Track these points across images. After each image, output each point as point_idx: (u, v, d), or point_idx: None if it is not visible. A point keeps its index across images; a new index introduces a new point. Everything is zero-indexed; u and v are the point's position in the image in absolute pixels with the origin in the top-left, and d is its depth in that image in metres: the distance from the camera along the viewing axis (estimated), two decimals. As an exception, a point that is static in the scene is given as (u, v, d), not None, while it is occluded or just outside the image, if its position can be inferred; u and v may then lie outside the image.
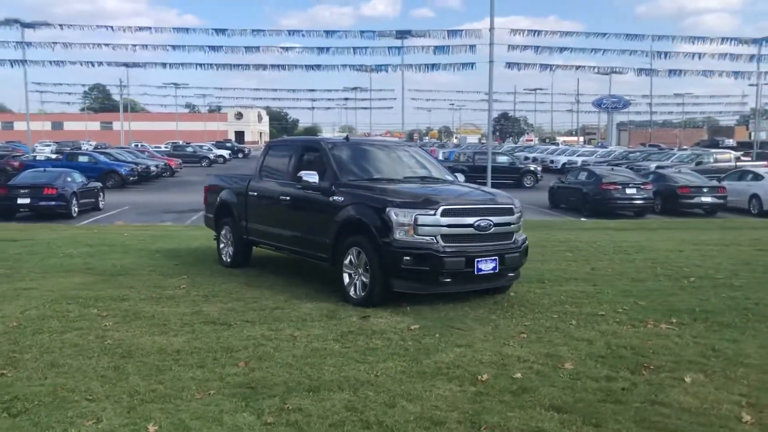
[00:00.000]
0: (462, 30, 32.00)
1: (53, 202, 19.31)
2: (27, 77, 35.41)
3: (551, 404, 4.48)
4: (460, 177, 9.52)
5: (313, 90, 69.47)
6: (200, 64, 41.92)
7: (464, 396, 4.66)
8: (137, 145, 61.64)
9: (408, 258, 7.24)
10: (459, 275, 7.45)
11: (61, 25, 36.33)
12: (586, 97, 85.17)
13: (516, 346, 5.91)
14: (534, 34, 32.78)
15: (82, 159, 33.74)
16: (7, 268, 10.35)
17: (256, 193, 9.77)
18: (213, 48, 36.88)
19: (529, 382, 4.92)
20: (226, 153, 64.93)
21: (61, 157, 36.32)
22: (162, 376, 5.10)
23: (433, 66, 34.36)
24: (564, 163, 45.89)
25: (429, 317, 7.05)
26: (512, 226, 7.88)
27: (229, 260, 10.38)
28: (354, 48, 34.89)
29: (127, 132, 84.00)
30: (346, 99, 78.72)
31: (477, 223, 7.48)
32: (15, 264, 10.82)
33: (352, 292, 7.72)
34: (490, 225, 7.57)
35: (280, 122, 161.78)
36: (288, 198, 8.95)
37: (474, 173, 35.80)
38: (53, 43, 33.67)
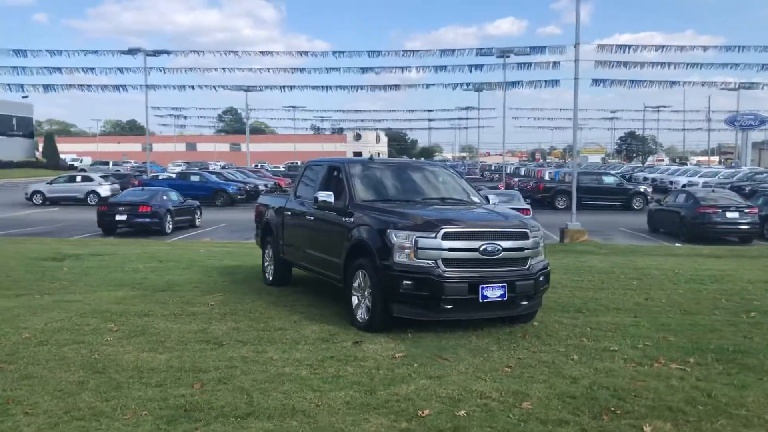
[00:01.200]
0: (546, 47, 31.02)
1: (147, 219, 20.47)
2: (147, 101, 37.69)
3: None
4: (494, 199, 9.14)
5: (430, 110, 69.43)
6: (325, 87, 42.58)
7: (393, 431, 4.39)
8: (257, 166, 64.43)
9: (407, 282, 7.00)
10: (462, 302, 7.10)
11: (180, 52, 38.42)
12: (720, 114, 79.74)
13: (489, 381, 5.52)
14: (632, 50, 31.20)
15: (194, 178, 35.67)
16: (69, 281, 11.00)
17: (289, 213, 9.86)
18: (336, 70, 37.50)
19: (468, 421, 4.56)
20: (338, 173, 66.38)
21: (174, 176, 38.51)
22: (114, 393, 5.18)
23: (516, 83, 33.53)
24: (684, 185, 43.33)
25: (424, 345, 6.76)
26: (526, 251, 7.43)
27: (270, 278, 10.51)
28: (466, 66, 34.74)
29: (254, 153, 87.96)
30: (460, 119, 78.32)
31: (483, 248, 7.11)
32: (79, 277, 11.48)
33: (358, 316, 7.56)
34: (498, 250, 7.18)
35: (399, 143, 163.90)
36: (312, 218, 8.96)
37: (579, 194, 34.60)
38: (189, 68, 35.71)
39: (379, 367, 5.94)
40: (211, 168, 60.63)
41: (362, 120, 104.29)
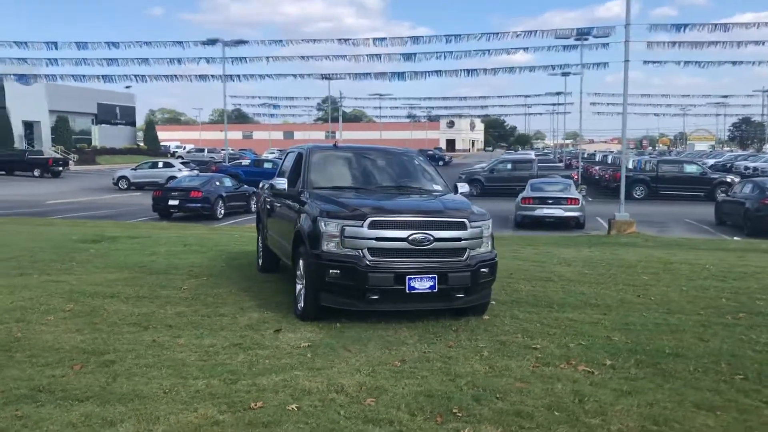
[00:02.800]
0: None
1: (198, 204, 21.17)
2: (226, 91, 38.94)
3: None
4: (464, 188, 8.78)
5: (527, 96, 67.56)
6: (423, 72, 41.85)
7: (206, 422, 4.31)
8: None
9: (334, 271, 6.87)
10: (389, 293, 6.88)
11: (260, 41, 39.38)
12: None
13: (362, 375, 5.32)
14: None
15: (267, 165, 36.54)
16: (81, 263, 11.52)
17: (269, 199, 9.91)
18: (437, 56, 36.49)
19: (290, 416, 4.41)
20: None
21: (249, 163, 39.65)
22: (-8, 372, 5.36)
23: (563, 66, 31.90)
24: (752, 174, 40.24)
25: (341, 336, 6.61)
26: (463, 242, 7.10)
27: (260, 264, 10.61)
28: (562, 47, 33.44)
29: (348, 140, 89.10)
30: (556, 104, 75.75)
31: (412, 237, 6.86)
32: (94, 259, 12.00)
33: (299, 304, 7.49)
34: (429, 239, 6.90)
35: (496, 130, 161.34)
36: (278, 205, 8.98)
37: (657, 183, 32.86)
38: (290, 57, 36.29)
39: (272, 356, 5.87)
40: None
41: (462, 107, 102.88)
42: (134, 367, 5.50)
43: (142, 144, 72.17)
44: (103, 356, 5.83)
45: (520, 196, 21.06)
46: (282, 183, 8.18)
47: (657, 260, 13.01)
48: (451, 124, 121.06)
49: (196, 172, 36.14)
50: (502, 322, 7.37)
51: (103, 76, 39.04)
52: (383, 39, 35.45)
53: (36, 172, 45.21)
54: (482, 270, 7.23)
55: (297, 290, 7.58)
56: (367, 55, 38.32)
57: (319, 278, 6.97)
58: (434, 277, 6.88)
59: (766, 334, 6.92)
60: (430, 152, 78.69)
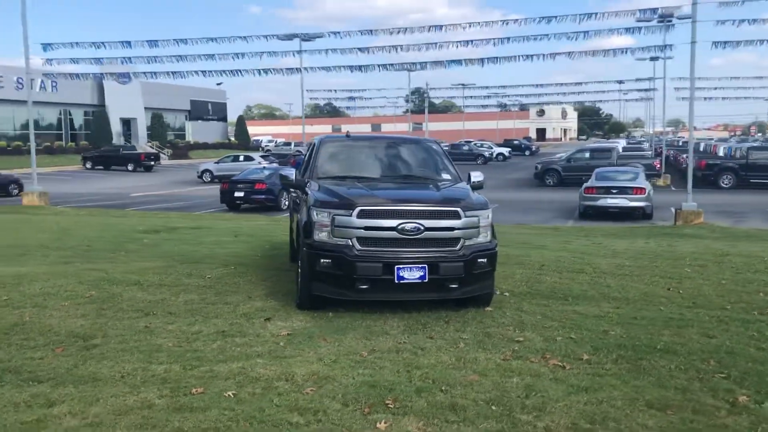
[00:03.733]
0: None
1: (263, 196, 21.73)
2: (303, 84, 39.65)
3: (178, 427, 4.04)
4: (478, 177, 8.56)
5: (620, 81, 64.78)
6: (509, 57, 40.53)
7: (140, 405, 4.41)
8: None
9: (325, 260, 6.88)
10: (378, 283, 6.83)
11: (333, 33, 39.81)
12: None
13: (321, 365, 5.28)
14: None
15: (341, 157, 36.95)
16: (128, 252, 12.08)
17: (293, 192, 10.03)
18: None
19: (220, 402, 4.44)
20: (506, 151, 65.23)
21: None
22: (-15, 353, 5.71)
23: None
24: None
25: (327, 325, 6.62)
26: (457, 231, 6.94)
27: (290, 255, 10.77)
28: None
29: (435, 132, 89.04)
30: (646, 90, 72.17)
31: (401, 226, 6.77)
32: (142, 249, 12.55)
33: (299, 294, 7.56)
34: (419, 229, 6.79)
35: (590, 117, 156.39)
36: (294, 195, 9.08)
37: (747, 172, 30.95)
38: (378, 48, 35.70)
39: (246, 344, 5.94)
40: None
41: (553, 94, 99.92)
42: (111, 351, 5.70)
43: (233, 139, 74.60)
44: (90, 340, 6.08)
45: (584, 185, 20.37)
46: (290, 173, 8.26)
47: (712, 252, 12.33)
48: (541, 113, 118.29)
49: (276, 165, 37.04)
50: (503, 314, 7.17)
51: (199, 71, 40.13)
52: (471, 24, 34.52)
53: (130, 167, 47.64)
54: (479, 260, 7.05)
55: (298, 281, 7.64)
56: (455, 43, 37.27)
57: (311, 267, 7.00)
58: (424, 267, 6.77)
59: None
60: (516, 142, 77.40)
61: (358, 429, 4.01)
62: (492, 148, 65.39)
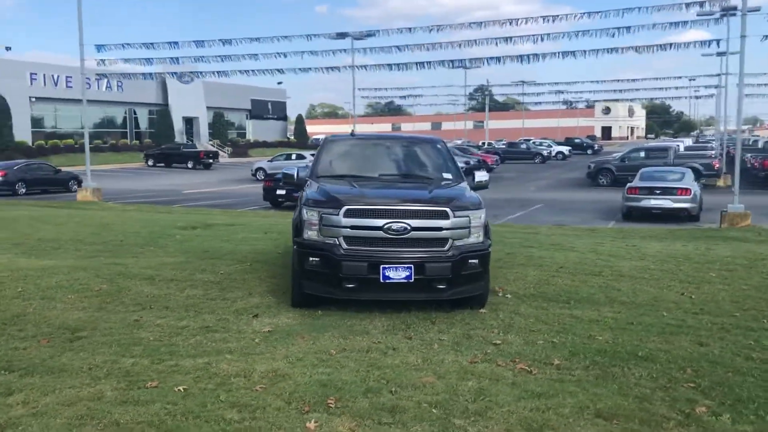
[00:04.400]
0: None
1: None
2: (355, 83, 39.85)
3: (116, 420, 4.13)
4: (482, 176, 8.46)
5: (692, 78, 62.03)
6: (570, 52, 39.31)
7: (90, 397, 4.52)
8: (484, 144, 64.71)
9: (314, 259, 6.93)
10: (365, 282, 6.81)
11: (384, 30, 39.74)
12: None
13: (282, 362, 5.31)
14: None
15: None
16: (158, 247, 12.41)
17: None
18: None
19: (166, 396, 4.52)
20: (565, 149, 63.99)
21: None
22: (-25, 342, 5.97)
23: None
24: None
25: (310, 323, 6.65)
26: (445, 231, 6.86)
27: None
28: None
29: (497, 130, 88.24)
30: (715, 86, 69.13)
31: (387, 226, 6.74)
32: (170, 244, 12.85)
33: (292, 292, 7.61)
34: (406, 229, 6.74)
35: (660, 115, 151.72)
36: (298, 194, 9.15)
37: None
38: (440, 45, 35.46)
39: (223, 340, 6.04)
40: (449, 146, 61.88)
41: (619, 90, 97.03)
42: (92, 344, 5.88)
43: (292, 137, 75.66)
44: (78, 333, 6.28)
45: (627, 185, 19.77)
46: (293, 171, 8.33)
47: (748, 256, 11.80)
48: (606, 111, 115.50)
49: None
50: (495, 316, 7.05)
51: (256, 70, 40.73)
52: (530, 19, 33.47)
53: (189, 164, 48.93)
54: (470, 261, 6.96)
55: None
56: (518, 38, 36.16)
57: (301, 266, 7.05)
58: (410, 267, 6.72)
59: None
60: (577, 140, 75.82)
61: (289, 428, 4.02)
62: (551, 146, 64.21)
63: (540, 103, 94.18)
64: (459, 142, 74.69)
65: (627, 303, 7.84)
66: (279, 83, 73.61)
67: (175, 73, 48.90)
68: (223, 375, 5.00)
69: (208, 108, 64.84)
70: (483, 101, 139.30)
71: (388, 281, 6.73)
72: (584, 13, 36.40)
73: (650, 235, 15.74)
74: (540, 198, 26.71)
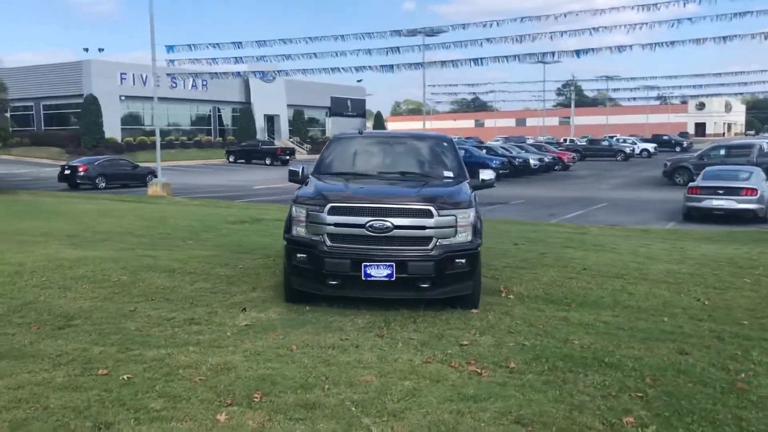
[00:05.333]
0: None
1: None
2: (425, 79, 39.88)
3: (46, 404, 4.35)
4: (487, 175, 8.32)
5: None
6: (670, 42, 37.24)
7: (37, 381, 4.75)
8: (564, 140, 63.25)
9: (300, 255, 7.04)
10: (347, 279, 6.85)
11: (454, 26, 39.49)
12: None
13: (238, 355, 5.44)
14: None
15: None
16: (197, 240, 12.88)
17: None
18: None
19: (106, 384, 4.70)
20: (651, 147, 61.59)
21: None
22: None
23: None
24: None
25: (293, 318, 6.76)
26: (429, 230, 6.80)
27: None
28: None
29: (584, 126, 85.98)
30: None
31: (369, 224, 6.75)
32: (210, 238, 13.32)
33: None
34: (388, 227, 6.73)
35: (762, 111, 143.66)
36: None
37: None
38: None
39: (199, 332, 6.22)
40: (528, 142, 61.16)
41: (715, 85, 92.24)
42: (76, 332, 6.18)
43: (371, 134, 76.40)
44: (71, 321, 6.61)
45: (689, 184, 18.86)
46: (299, 168, 8.46)
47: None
48: (700, 106, 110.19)
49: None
50: (483, 317, 6.95)
51: (337, 68, 41.28)
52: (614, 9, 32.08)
53: (267, 161, 50.20)
54: (456, 261, 6.88)
55: None
56: (605, 28, 34.74)
57: (289, 262, 7.18)
58: (392, 265, 6.71)
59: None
60: (665, 137, 72.83)
61: (200, 419, 4.13)
62: (636, 143, 61.96)
63: (634, 98, 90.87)
64: (535, 139, 73.28)
65: (631, 307, 7.56)
66: (359, 81, 74.27)
67: (258, 72, 50.37)
68: (173, 366, 5.17)
69: (289, 106, 66.30)
70: (571, 97, 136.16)
71: (369, 279, 6.75)
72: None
73: (706, 237, 15.00)
74: (606, 197, 25.88)
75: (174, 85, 55.73)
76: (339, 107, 73.81)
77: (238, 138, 59.11)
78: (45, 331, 6.24)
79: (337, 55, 38.14)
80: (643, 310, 7.42)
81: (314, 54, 39.05)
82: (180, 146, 55.96)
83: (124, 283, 8.46)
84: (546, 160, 40.94)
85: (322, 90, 70.04)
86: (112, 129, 51.33)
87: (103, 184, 29.26)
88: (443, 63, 40.37)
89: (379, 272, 6.73)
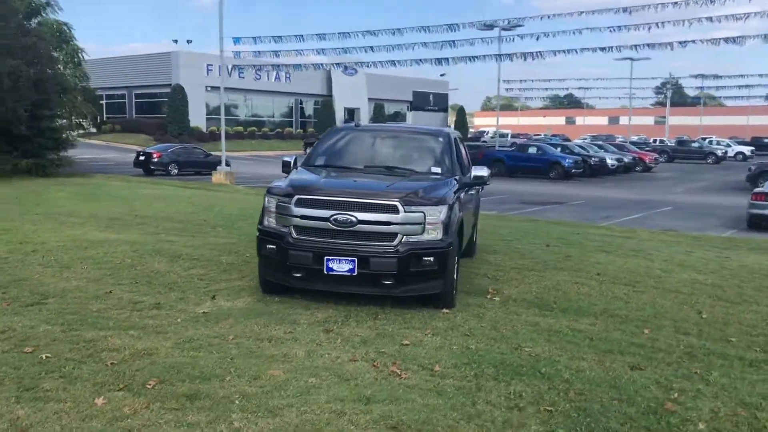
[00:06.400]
0: None
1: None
2: (500, 74, 39.15)
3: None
4: (480, 171, 8.05)
5: None
6: None
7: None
8: (655, 141, 60.75)
9: (269, 246, 7.02)
10: (310, 272, 6.77)
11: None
12: None
13: (168, 343, 5.45)
14: None
15: (531, 150, 35.98)
16: (228, 228, 13.12)
17: None
18: None
19: (24, 361, 4.84)
20: (747, 150, 58.20)
21: (513, 148, 39.35)
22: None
23: None
24: None
25: (254, 309, 6.74)
26: (394, 226, 6.62)
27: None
28: None
29: (681, 127, 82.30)
30: None
31: (333, 218, 6.64)
32: (243, 227, 13.53)
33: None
34: (352, 221, 6.60)
35: None
36: None
37: None
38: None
39: (152, 317, 6.29)
40: (618, 141, 59.11)
41: None
42: (41, 311, 6.36)
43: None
44: (45, 299, 6.83)
45: (754, 190, 17.62)
46: (290, 159, 8.44)
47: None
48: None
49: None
50: (450, 318, 6.73)
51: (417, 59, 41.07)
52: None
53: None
54: (424, 259, 6.68)
55: None
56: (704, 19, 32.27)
57: (259, 252, 7.18)
58: (353, 260, 6.59)
59: (738, 372, 5.26)
60: (766, 140, 68.49)
61: (81, 401, 4.17)
62: (730, 146, 58.72)
63: (742, 97, 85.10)
64: (624, 138, 70.49)
65: (618, 316, 7.14)
66: (442, 75, 73.67)
67: (340, 64, 50.90)
68: (101, 348, 5.26)
69: (370, 99, 66.66)
70: (672, 95, 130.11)
71: (331, 273, 6.65)
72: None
73: (761, 248, 13.98)
74: (675, 201, 24.62)
75: (258, 77, 57.13)
76: (420, 101, 73.56)
77: (318, 130, 59.94)
78: (13, 307, 6.48)
79: (426, 45, 37.63)
80: (629, 320, 6.98)
81: (397, 46, 38.72)
82: (261, 137, 57.32)
83: (123, 266, 8.70)
84: (625, 160, 39.38)
85: (404, 84, 70.02)
86: (198, 118, 53.12)
87: (176, 171, 30.30)
88: (524, 56, 39.02)
89: (341, 267, 6.62)
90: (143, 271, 8.47)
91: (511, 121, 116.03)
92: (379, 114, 66.64)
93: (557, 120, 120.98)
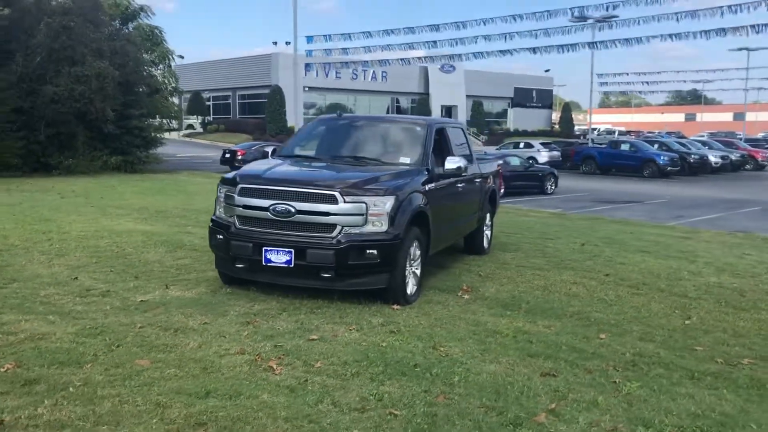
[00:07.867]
0: None
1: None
2: (593, 68, 37.37)
3: None
4: (454, 163, 7.60)
5: None
6: None
7: None
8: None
9: (217, 237, 6.94)
10: (251, 263, 6.61)
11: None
12: None
13: (84, 331, 5.44)
14: None
15: (624, 147, 34.27)
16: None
17: None
18: None
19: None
20: None
21: (605, 145, 37.50)
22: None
23: None
24: None
25: (198, 299, 6.68)
26: (333, 216, 6.33)
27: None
28: None
29: None
30: None
31: (272, 207, 6.45)
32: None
33: None
34: (290, 211, 6.38)
35: None
36: None
37: None
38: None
39: (101, 303, 6.38)
40: (738, 137, 55.41)
41: None
42: (2, 295, 6.57)
43: (557, 126, 73.32)
44: (9, 283, 7.01)
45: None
46: (269, 149, 8.34)
47: None
48: None
49: (556, 152, 35.80)
50: (395, 315, 6.42)
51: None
52: None
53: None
54: (367, 251, 6.37)
55: None
56: None
57: (210, 243, 7.13)
58: (290, 252, 6.37)
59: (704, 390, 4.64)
60: None
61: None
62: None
63: None
64: (744, 135, 65.67)
65: (586, 319, 6.59)
66: (546, 71, 71.72)
67: (437, 60, 50.57)
68: (6, 331, 5.34)
69: (468, 96, 65.73)
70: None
71: (270, 264, 6.47)
72: None
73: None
74: (766, 201, 22.61)
75: (354, 76, 57.75)
76: (522, 98, 71.73)
77: (415, 128, 59.88)
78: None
79: (513, 36, 36.53)
80: (594, 324, 6.38)
81: (488, 36, 37.70)
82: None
83: (116, 255, 8.90)
84: (732, 158, 36.65)
85: (505, 80, 68.66)
86: (296, 117, 54.43)
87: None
88: (616, 42, 36.93)
89: (278, 258, 6.42)
90: (132, 260, 8.61)
91: (625, 119, 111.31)
92: (477, 111, 65.67)
93: (677, 117, 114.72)
